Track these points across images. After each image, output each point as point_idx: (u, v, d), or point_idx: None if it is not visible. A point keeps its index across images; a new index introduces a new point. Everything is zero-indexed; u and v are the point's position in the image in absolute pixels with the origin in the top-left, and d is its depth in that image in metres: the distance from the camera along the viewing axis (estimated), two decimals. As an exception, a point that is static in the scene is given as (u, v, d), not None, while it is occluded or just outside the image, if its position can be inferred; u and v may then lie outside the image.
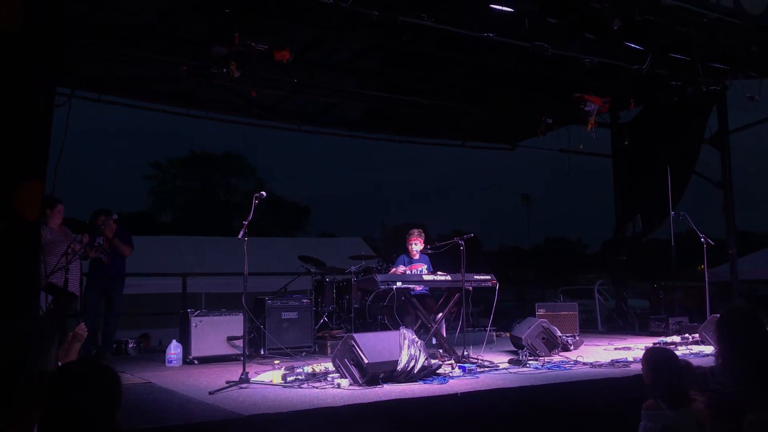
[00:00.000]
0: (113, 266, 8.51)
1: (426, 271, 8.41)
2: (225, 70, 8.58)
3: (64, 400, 2.29)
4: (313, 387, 5.47)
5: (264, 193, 6.21)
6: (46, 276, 7.14)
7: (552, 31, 8.28)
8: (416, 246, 8.55)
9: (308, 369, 6.03)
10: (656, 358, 3.78)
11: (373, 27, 8.65)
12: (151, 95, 11.06)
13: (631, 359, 7.05)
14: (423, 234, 8.69)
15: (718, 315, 3.37)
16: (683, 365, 3.79)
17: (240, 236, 5.98)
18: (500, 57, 9.83)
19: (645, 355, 3.88)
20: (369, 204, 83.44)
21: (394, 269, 8.60)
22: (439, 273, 7.90)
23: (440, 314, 7.67)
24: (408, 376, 5.69)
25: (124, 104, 11.01)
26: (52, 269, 7.17)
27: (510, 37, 8.22)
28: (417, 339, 5.97)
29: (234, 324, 7.83)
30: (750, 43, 8.85)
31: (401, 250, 8.85)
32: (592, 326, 12.81)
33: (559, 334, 8.04)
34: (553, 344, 7.77)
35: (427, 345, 6.76)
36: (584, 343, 8.95)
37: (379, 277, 7.17)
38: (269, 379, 5.79)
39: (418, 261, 8.57)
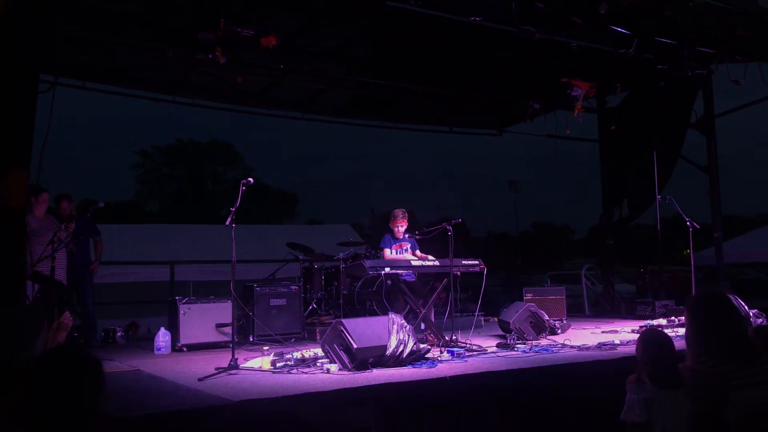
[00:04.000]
0: (80, 255, 8.44)
1: (411, 250, 8.42)
2: (211, 56, 8.53)
3: (44, 388, 2.28)
4: (303, 372, 5.48)
5: (251, 179, 6.20)
6: (32, 265, 7.10)
7: (539, 16, 8.27)
8: (402, 227, 8.52)
9: (297, 355, 6.04)
10: (649, 339, 3.82)
11: (360, 13, 8.62)
12: (136, 82, 10.96)
13: (618, 342, 7.11)
14: (407, 214, 8.65)
15: (689, 302, 3.40)
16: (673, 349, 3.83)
17: (227, 223, 5.97)
18: (487, 42, 9.81)
19: (641, 335, 3.93)
20: (357, 191, 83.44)
21: (385, 250, 8.54)
22: (429, 257, 7.93)
23: (429, 299, 7.69)
24: (397, 360, 5.72)
25: (108, 92, 10.91)
26: (38, 258, 7.12)
27: (497, 22, 8.21)
28: (406, 324, 6.00)
29: (223, 311, 7.83)
30: (736, 27, 8.88)
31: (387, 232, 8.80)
32: (579, 310, 12.87)
33: (546, 318, 8.09)
34: (540, 328, 7.83)
35: (416, 330, 6.79)
36: (571, 327, 9.00)
37: (368, 263, 7.19)
38: (258, 365, 5.81)
39: (403, 240, 8.56)
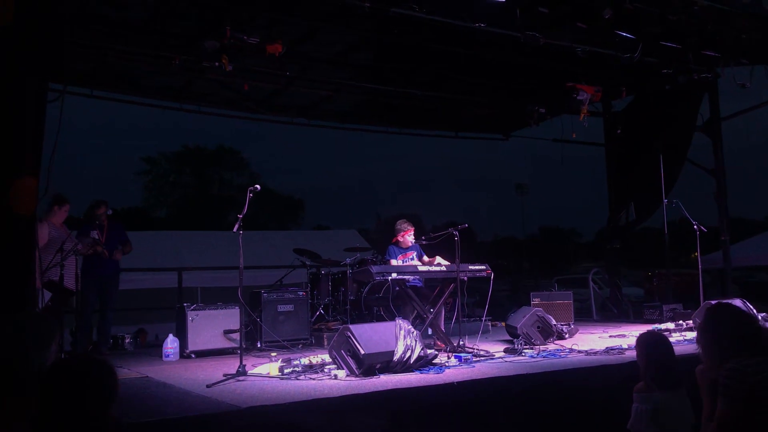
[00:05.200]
0: (111, 261, 8.50)
1: (417, 258, 8.44)
2: (217, 63, 8.58)
3: (59, 395, 2.31)
4: (310, 378, 5.50)
5: (258, 186, 6.21)
6: (42, 272, 7.16)
7: (544, 21, 8.29)
8: (410, 236, 8.55)
9: (305, 361, 6.05)
10: (647, 341, 3.85)
11: (365, 19, 8.65)
12: (143, 90, 11.03)
13: (626, 346, 7.08)
14: (411, 223, 8.70)
15: (705, 314, 3.43)
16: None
17: (235, 230, 6.00)
18: (492, 47, 9.83)
19: (638, 339, 3.95)
20: (363, 196, 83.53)
21: (391, 261, 8.56)
22: (437, 259, 7.94)
23: (436, 305, 7.69)
24: (404, 366, 5.72)
25: (116, 99, 10.99)
26: (48, 265, 7.19)
27: (502, 27, 8.22)
28: (413, 329, 6.00)
29: (230, 317, 7.86)
30: (740, 30, 8.87)
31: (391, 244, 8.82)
32: (587, 314, 12.83)
33: (554, 322, 8.08)
34: (548, 333, 7.82)
35: (423, 335, 6.79)
36: (579, 332, 9.00)
37: (375, 269, 7.19)
38: (266, 371, 5.82)
39: (409, 249, 8.58)
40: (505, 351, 7.04)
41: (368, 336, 5.71)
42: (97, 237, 8.26)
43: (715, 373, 3.11)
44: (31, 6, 4.53)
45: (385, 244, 8.94)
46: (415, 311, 7.62)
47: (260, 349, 7.95)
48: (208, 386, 5.27)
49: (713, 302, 3.57)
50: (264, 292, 8.40)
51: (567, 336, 8.35)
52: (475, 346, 7.15)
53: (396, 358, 5.69)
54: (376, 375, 5.52)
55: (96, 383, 2.38)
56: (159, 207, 48.78)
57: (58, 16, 4.99)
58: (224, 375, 5.63)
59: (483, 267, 7.69)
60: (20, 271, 4.36)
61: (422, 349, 5.93)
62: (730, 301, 6.90)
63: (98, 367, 2.43)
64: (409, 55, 10.58)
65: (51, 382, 2.35)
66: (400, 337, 5.79)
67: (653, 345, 3.79)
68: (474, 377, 5.50)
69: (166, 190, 48.72)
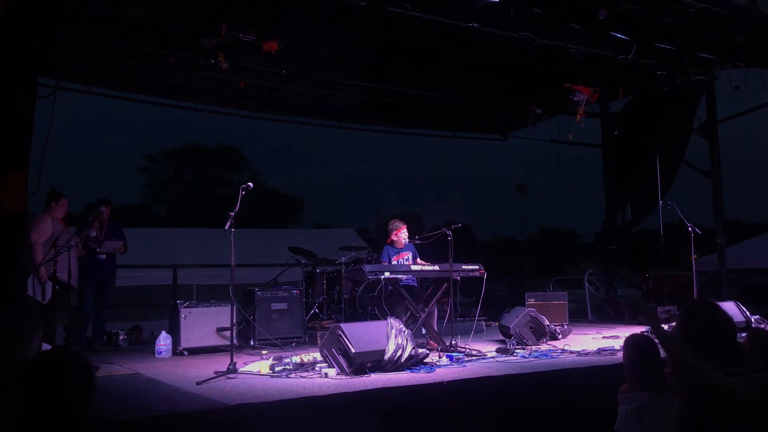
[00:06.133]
0: (109, 260, 8.56)
1: (411, 260, 8.44)
2: (213, 61, 8.58)
3: (36, 390, 2.32)
4: (301, 377, 5.51)
5: (251, 184, 6.22)
6: (35, 267, 7.21)
7: (539, 21, 8.29)
8: (404, 234, 8.56)
9: (296, 359, 6.07)
10: (630, 343, 3.86)
11: (363, 18, 8.65)
12: (140, 87, 11.03)
13: (618, 347, 7.08)
14: (404, 222, 8.71)
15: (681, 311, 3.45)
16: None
17: (227, 227, 6.00)
18: (489, 47, 9.82)
19: (625, 340, 3.96)
20: (363, 195, 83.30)
21: (384, 263, 8.57)
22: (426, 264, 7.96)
23: (429, 304, 7.69)
24: (395, 365, 5.74)
25: (113, 96, 10.98)
26: (43, 260, 7.22)
27: (497, 27, 8.22)
28: (404, 328, 6.02)
29: (224, 315, 7.85)
30: (736, 32, 8.88)
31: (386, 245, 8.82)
32: (582, 315, 12.85)
33: (547, 323, 8.10)
34: (541, 333, 7.83)
35: (416, 335, 6.80)
36: (573, 332, 9.01)
37: (367, 268, 7.20)
38: (257, 369, 5.83)
39: (404, 250, 8.59)
40: (497, 351, 7.06)
41: (359, 335, 5.72)
42: (95, 234, 8.32)
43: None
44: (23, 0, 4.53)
45: (384, 243, 8.94)
46: (408, 311, 7.63)
47: (253, 347, 7.95)
48: (198, 383, 5.28)
49: (695, 301, 3.59)
50: (258, 290, 8.40)
51: (560, 336, 8.35)
52: (467, 346, 7.17)
53: (387, 357, 5.70)
54: (366, 374, 5.53)
55: (71, 378, 2.38)
56: (158, 204, 48.80)
57: (51, 9, 4.98)
58: (215, 372, 5.65)
59: (476, 267, 7.72)
60: (9, 267, 4.36)
61: (413, 348, 5.94)
62: (720, 303, 6.90)
63: (73, 362, 2.43)
64: (408, 55, 10.58)
65: (26, 377, 2.36)
66: (391, 336, 5.80)
67: (635, 347, 3.81)
68: (464, 377, 5.53)
69: (166, 188, 48.73)
